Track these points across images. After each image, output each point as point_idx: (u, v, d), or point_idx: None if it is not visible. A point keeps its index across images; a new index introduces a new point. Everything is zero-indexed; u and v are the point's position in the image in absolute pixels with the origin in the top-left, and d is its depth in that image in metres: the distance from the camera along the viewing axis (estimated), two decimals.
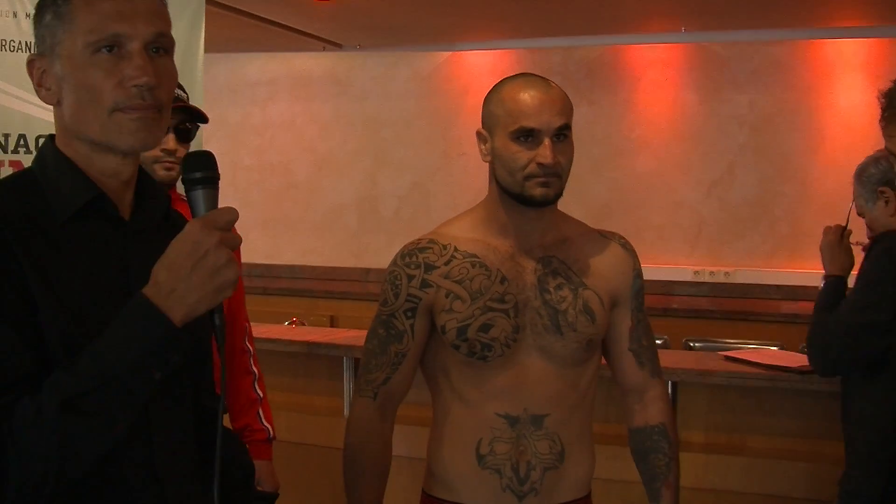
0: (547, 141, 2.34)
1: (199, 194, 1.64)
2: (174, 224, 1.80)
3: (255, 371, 3.29)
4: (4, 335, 1.51)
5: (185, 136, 3.00)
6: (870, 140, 6.55)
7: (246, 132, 7.99)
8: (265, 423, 3.27)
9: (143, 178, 1.80)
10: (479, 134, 2.47)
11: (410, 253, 2.47)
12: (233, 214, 1.62)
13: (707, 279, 7.12)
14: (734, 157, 7.14)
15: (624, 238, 2.62)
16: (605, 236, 2.59)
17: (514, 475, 2.42)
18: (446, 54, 7.85)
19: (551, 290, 2.44)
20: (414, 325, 2.45)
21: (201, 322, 1.62)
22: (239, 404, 3.20)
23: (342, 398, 4.48)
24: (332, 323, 7.39)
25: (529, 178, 2.37)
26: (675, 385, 3.98)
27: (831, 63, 6.99)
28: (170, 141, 2.94)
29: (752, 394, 3.75)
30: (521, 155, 2.36)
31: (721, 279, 7.07)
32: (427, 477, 2.56)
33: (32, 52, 1.71)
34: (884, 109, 2.32)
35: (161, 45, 1.69)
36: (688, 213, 7.26)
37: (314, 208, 7.97)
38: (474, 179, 7.71)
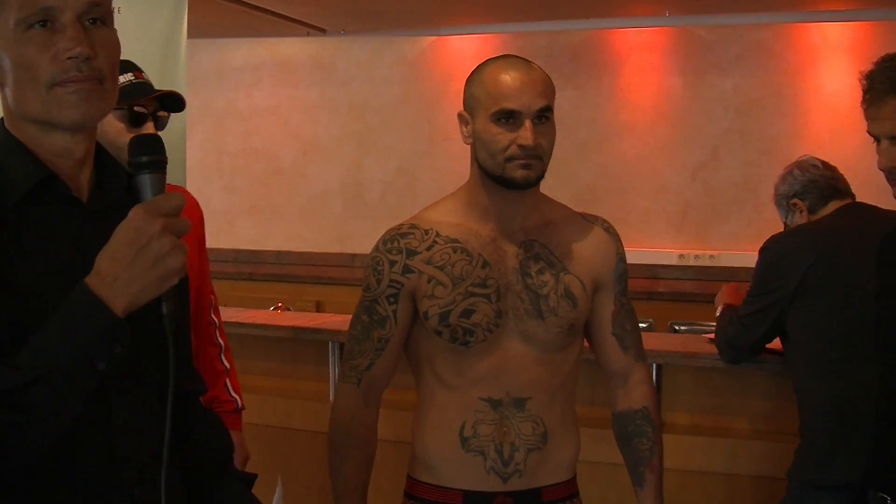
0: (528, 123, 2.35)
1: (146, 179, 1.60)
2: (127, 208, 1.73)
3: (221, 342, 3.25)
4: None
5: (160, 124, 2.96)
6: (854, 123, 6.57)
7: (231, 118, 7.96)
8: (233, 394, 3.26)
9: (102, 157, 1.77)
10: (460, 116, 2.48)
11: (392, 238, 2.47)
12: (179, 200, 1.58)
13: (692, 263, 7.13)
14: (719, 140, 7.15)
15: (607, 222, 2.63)
16: (589, 220, 2.60)
17: (497, 457, 2.42)
18: (431, 39, 7.83)
19: (533, 274, 2.45)
20: (396, 310, 2.46)
21: (177, 296, 1.61)
22: (206, 376, 3.19)
23: (328, 383, 4.49)
24: (319, 308, 7.39)
25: (510, 160, 2.37)
26: (659, 368, 4.00)
27: (816, 47, 7.00)
28: (149, 128, 2.91)
29: (737, 376, 3.77)
30: (501, 137, 2.36)
31: (706, 263, 7.08)
32: (412, 461, 2.57)
33: None
34: (865, 91, 2.35)
35: (97, 16, 1.65)
36: (673, 196, 7.27)
37: (300, 194, 7.95)
38: (459, 164, 7.68)
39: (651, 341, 4.37)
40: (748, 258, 3.49)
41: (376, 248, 2.49)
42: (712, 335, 3.80)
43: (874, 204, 3.52)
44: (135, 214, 1.52)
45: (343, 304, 6.21)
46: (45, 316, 1.51)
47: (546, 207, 2.55)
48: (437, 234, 2.46)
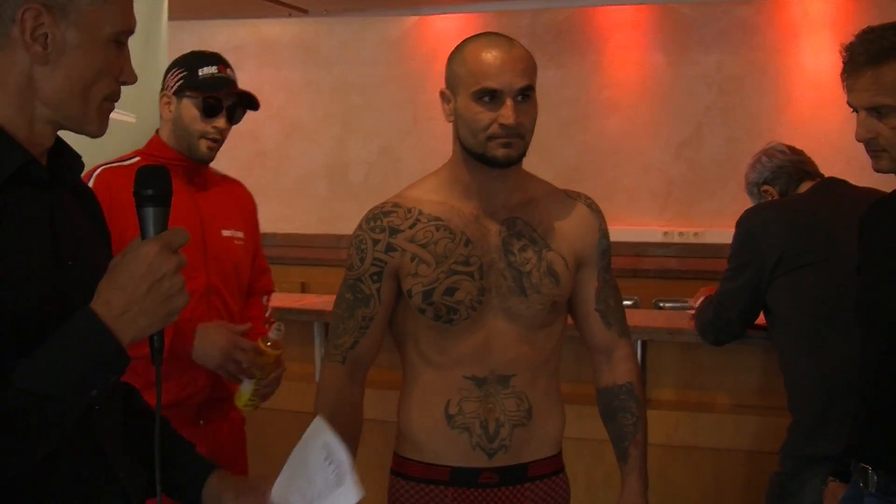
0: (509, 101, 2.35)
1: (150, 212, 1.62)
2: (82, 194, 1.82)
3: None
4: None
5: (234, 118, 3.17)
6: (836, 99, 6.57)
7: None
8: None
9: (58, 144, 1.75)
10: (442, 94, 2.48)
11: (375, 217, 2.48)
12: (185, 237, 1.61)
13: (676, 240, 7.14)
14: (702, 117, 7.15)
15: (590, 198, 2.64)
16: (571, 197, 2.61)
17: (483, 432, 2.45)
18: (414, 19, 7.80)
19: (515, 251, 2.46)
20: (380, 288, 2.47)
21: None
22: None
23: (313, 363, 4.50)
24: (304, 289, 7.38)
25: (492, 139, 2.37)
26: (644, 344, 4.02)
27: (798, 23, 7.00)
28: (221, 120, 3.12)
29: (722, 351, 3.78)
30: (482, 115, 2.37)
31: (690, 239, 7.09)
32: (398, 438, 2.60)
33: None
34: (844, 63, 2.38)
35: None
36: (657, 174, 7.27)
37: (284, 175, 7.93)
38: (443, 144, 7.61)
39: (636, 318, 4.39)
40: (732, 235, 3.49)
41: (359, 227, 2.49)
42: (693, 311, 3.81)
43: (857, 180, 3.53)
44: (149, 250, 1.54)
45: (328, 285, 6.19)
46: (21, 300, 1.53)
47: (529, 184, 2.56)
48: (420, 212, 2.47)
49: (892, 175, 2.58)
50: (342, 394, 2.52)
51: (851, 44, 2.37)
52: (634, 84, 7.36)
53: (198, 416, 3.12)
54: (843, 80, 2.41)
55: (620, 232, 7.24)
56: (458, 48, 2.47)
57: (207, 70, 3.11)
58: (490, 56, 2.38)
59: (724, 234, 6.71)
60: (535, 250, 2.47)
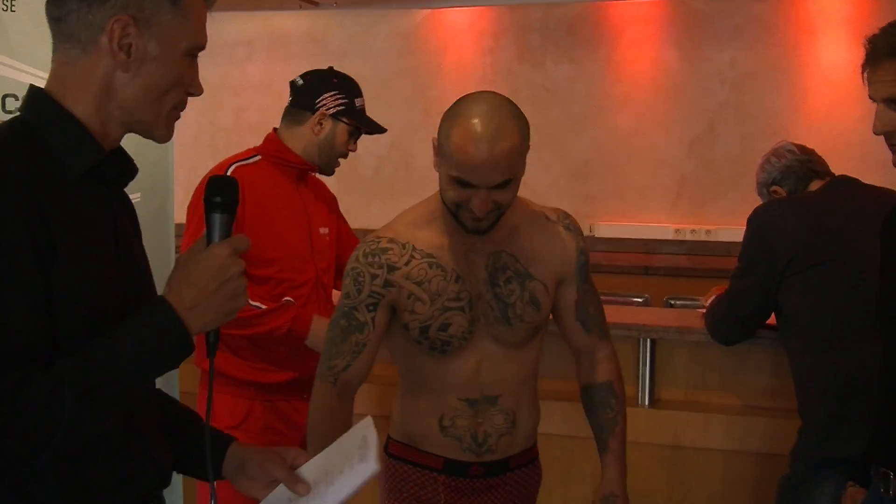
0: (483, 192, 2.42)
1: (217, 218, 1.75)
2: (124, 196, 1.92)
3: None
4: (16, 303, 1.57)
5: (358, 136, 3.62)
6: (852, 97, 6.56)
7: (224, 93, 7.88)
8: None
9: (118, 147, 1.85)
10: (433, 141, 2.50)
11: (373, 253, 2.59)
12: (248, 244, 1.75)
13: (688, 237, 7.10)
14: (715, 114, 7.11)
15: (569, 217, 2.79)
16: (551, 220, 2.75)
17: (472, 441, 2.66)
18: (425, 12, 7.77)
19: (501, 283, 2.62)
20: (375, 317, 2.60)
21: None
22: None
23: None
24: None
25: (462, 211, 2.48)
26: (654, 342, 3.97)
27: (813, 19, 6.95)
28: (356, 144, 3.61)
29: (733, 351, 3.73)
30: (455, 194, 2.45)
31: (702, 237, 7.05)
32: (394, 426, 2.78)
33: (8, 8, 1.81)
34: (866, 55, 2.34)
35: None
36: (669, 171, 7.23)
37: None
38: None
39: (646, 316, 4.35)
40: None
41: (356, 259, 2.60)
42: (704, 310, 3.76)
43: (872, 178, 3.47)
44: (220, 251, 1.69)
45: None
46: (93, 294, 1.66)
47: (511, 213, 2.59)
48: (414, 248, 2.59)
49: None
50: (333, 413, 2.62)
51: (875, 35, 2.33)
52: (647, 80, 7.31)
53: (304, 389, 3.30)
54: (863, 73, 2.37)
55: (631, 228, 7.24)
56: (451, 117, 2.44)
57: (360, 102, 3.59)
58: (473, 150, 2.37)
59: (736, 232, 6.65)
60: (519, 282, 2.63)
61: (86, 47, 1.72)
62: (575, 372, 2.88)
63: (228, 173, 3.31)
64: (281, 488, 1.90)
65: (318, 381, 2.65)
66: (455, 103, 2.48)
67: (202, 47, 1.81)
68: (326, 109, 3.52)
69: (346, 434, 2.01)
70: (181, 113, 1.84)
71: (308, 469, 1.93)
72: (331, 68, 3.71)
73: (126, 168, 1.86)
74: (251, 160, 3.49)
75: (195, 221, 3.31)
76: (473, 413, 2.64)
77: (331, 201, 3.79)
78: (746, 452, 3.83)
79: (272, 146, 3.55)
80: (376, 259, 2.57)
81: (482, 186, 2.39)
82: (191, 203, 3.40)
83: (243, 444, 2.01)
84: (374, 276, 2.57)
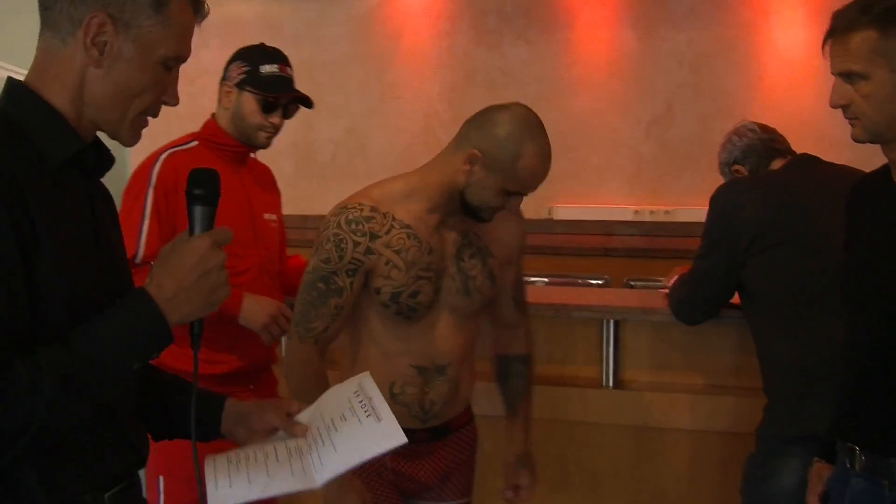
0: (521, 197, 2.77)
1: (199, 210, 1.77)
2: (101, 188, 1.94)
3: None
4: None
5: (289, 114, 3.48)
6: (808, 76, 6.60)
7: (179, 80, 7.77)
8: None
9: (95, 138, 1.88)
10: (472, 155, 2.69)
11: (357, 221, 2.72)
12: (230, 236, 1.78)
13: (647, 219, 7.11)
14: (672, 95, 7.12)
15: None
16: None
17: (420, 409, 2.86)
18: None
19: (465, 259, 2.86)
20: (353, 282, 2.75)
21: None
22: None
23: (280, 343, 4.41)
24: None
25: (490, 211, 2.77)
26: (618, 324, 3.96)
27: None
28: (277, 117, 3.42)
29: (697, 331, 3.72)
30: (501, 201, 2.73)
31: (661, 218, 7.06)
32: None
33: None
34: (828, 30, 2.40)
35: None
36: (627, 152, 7.23)
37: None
38: (409, 123, 7.62)
39: (609, 297, 4.35)
40: (703, 213, 3.42)
41: (338, 226, 2.71)
42: (667, 290, 3.76)
43: (828, 156, 3.48)
44: (201, 243, 1.72)
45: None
46: (77, 283, 1.68)
47: None
48: (394, 218, 2.75)
49: (862, 152, 2.60)
50: (316, 372, 2.75)
51: (836, 11, 2.38)
52: (604, 61, 7.31)
53: (249, 380, 3.40)
54: (823, 48, 2.41)
55: (590, 211, 7.24)
56: (514, 138, 2.67)
57: (269, 68, 3.40)
58: (541, 170, 2.70)
59: (695, 212, 6.69)
60: (481, 258, 2.89)
61: (65, 39, 1.74)
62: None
63: (160, 161, 3.29)
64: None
65: (296, 342, 2.77)
66: (505, 119, 2.70)
67: (182, 59, 1.84)
68: (230, 80, 3.42)
69: (339, 385, 2.07)
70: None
71: (306, 416, 2.00)
72: (261, 44, 3.56)
73: (103, 157, 1.87)
74: (186, 146, 3.41)
75: (129, 205, 3.25)
76: (423, 381, 2.84)
77: (275, 188, 3.75)
78: (711, 432, 3.83)
79: (206, 130, 3.47)
80: (360, 227, 2.71)
81: (528, 194, 2.74)
82: (129, 185, 3.33)
83: (238, 400, 2.07)
84: (356, 244, 2.70)
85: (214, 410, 2.02)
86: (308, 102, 3.50)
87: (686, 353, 3.96)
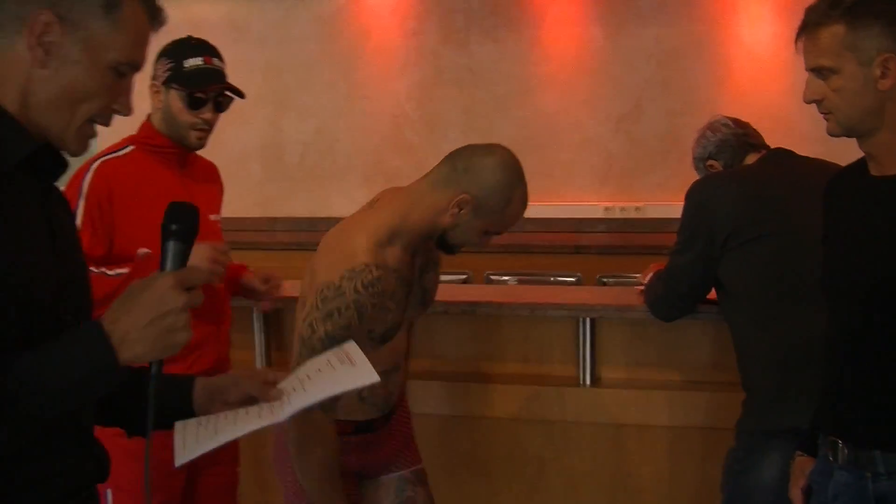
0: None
1: (171, 246, 1.69)
2: (58, 193, 1.87)
3: None
4: None
5: (221, 107, 3.31)
6: (776, 71, 6.61)
7: (144, 82, 7.69)
8: None
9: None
10: (462, 200, 2.74)
11: (371, 283, 2.71)
12: (202, 278, 1.69)
13: (618, 215, 7.10)
14: (641, 91, 7.12)
15: None
16: None
17: (383, 402, 3.01)
18: None
19: (426, 275, 3.01)
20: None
21: None
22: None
23: (253, 350, 4.38)
24: None
25: (467, 246, 2.88)
26: (594, 321, 3.95)
27: None
28: (208, 112, 3.24)
29: (672, 327, 3.72)
30: (481, 240, 2.87)
31: (632, 215, 7.06)
32: None
33: None
34: (799, 26, 2.43)
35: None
36: (596, 149, 7.23)
37: (216, 158, 7.61)
38: (377, 123, 7.59)
39: (584, 295, 4.33)
40: (674, 209, 3.42)
41: (356, 291, 2.69)
42: (642, 287, 3.74)
43: (797, 150, 3.48)
44: (163, 283, 1.62)
45: (264, 269, 6.09)
46: (21, 290, 1.61)
47: None
48: (392, 270, 2.78)
49: (832, 145, 2.63)
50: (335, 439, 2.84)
51: (808, 7, 2.41)
52: (572, 59, 7.30)
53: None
54: (796, 44, 2.43)
55: (560, 208, 7.23)
56: (504, 185, 2.77)
57: (193, 62, 3.23)
58: (523, 214, 2.86)
59: (666, 208, 6.72)
60: (434, 270, 3.05)
61: (12, 38, 1.67)
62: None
63: (92, 171, 3.14)
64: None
65: (320, 413, 2.72)
66: (496, 166, 2.77)
67: (135, 65, 1.76)
68: (157, 79, 3.26)
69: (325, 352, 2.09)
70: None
71: (286, 382, 1.96)
72: (187, 36, 3.36)
73: (57, 161, 1.79)
74: (121, 152, 3.26)
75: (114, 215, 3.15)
76: (385, 381, 2.87)
77: (220, 187, 3.62)
78: (690, 428, 3.83)
79: (142, 133, 3.32)
80: (375, 289, 2.71)
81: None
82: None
83: (209, 377, 2.01)
84: (374, 305, 2.72)
85: (184, 392, 1.96)
86: (239, 93, 3.35)
87: (663, 349, 3.95)
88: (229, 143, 7.67)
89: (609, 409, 3.90)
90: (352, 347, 1.99)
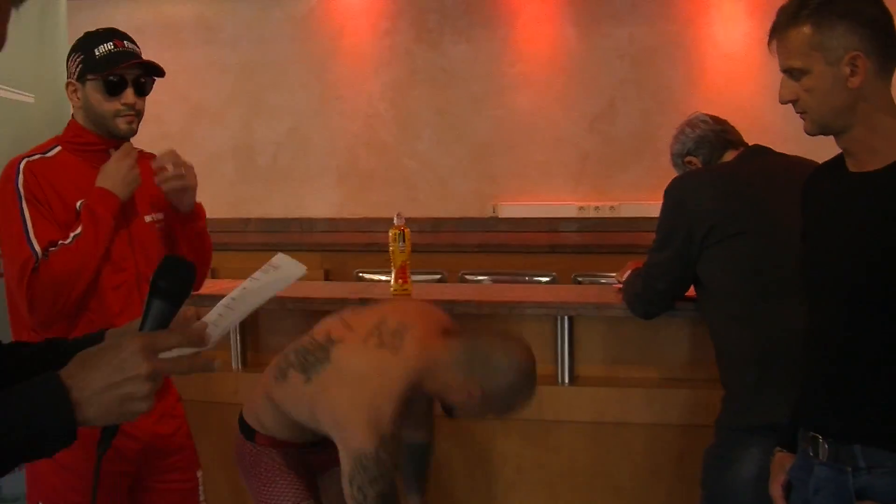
0: None
1: (155, 304, 1.57)
2: None
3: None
4: None
5: (142, 89, 3.12)
6: (749, 70, 6.62)
7: None
8: None
9: None
10: (472, 392, 2.95)
11: (392, 449, 2.95)
12: (175, 343, 1.53)
13: (592, 214, 7.11)
14: (615, 90, 7.13)
15: None
16: None
17: None
18: None
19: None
20: None
21: None
22: None
23: (229, 352, 4.36)
24: (213, 275, 7.18)
25: None
26: (571, 320, 3.94)
27: None
28: (129, 95, 3.08)
29: (650, 325, 3.72)
30: (480, 416, 3.36)
31: (606, 214, 7.07)
32: (262, 427, 3.27)
33: None
34: (771, 27, 2.46)
35: None
36: (570, 148, 7.23)
37: (189, 158, 7.60)
38: (350, 122, 7.57)
39: (561, 294, 4.33)
40: (648, 208, 3.43)
41: (387, 457, 2.95)
42: (621, 285, 3.74)
43: (773, 146, 3.50)
44: (128, 346, 1.49)
45: (238, 269, 6.04)
46: None
47: None
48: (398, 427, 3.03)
49: (807, 143, 2.66)
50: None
51: (780, 7, 2.43)
52: (546, 58, 7.30)
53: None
54: (769, 45, 2.46)
55: (535, 208, 7.23)
56: (519, 391, 3.00)
57: (103, 48, 3.08)
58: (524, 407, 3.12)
59: (640, 207, 6.74)
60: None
61: None
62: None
63: (21, 171, 3.01)
64: None
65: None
66: (511, 369, 2.96)
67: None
68: (71, 76, 3.12)
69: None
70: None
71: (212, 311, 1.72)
72: (95, 29, 3.20)
73: None
74: (48, 153, 3.11)
75: (4, 220, 3.00)
76: None
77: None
78: (668, 425, 3.83)
79: (68, 132, 3.19)
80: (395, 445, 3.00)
81: None
82: None
83: (122, 326, 1.83)
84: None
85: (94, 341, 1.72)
86: (158, 70, 3.15)
87: (640, 347, 3.96)
88: (202, 144, 7.65)
89: (587, 407, 3.90)
90: (278, 256, 1.77)
